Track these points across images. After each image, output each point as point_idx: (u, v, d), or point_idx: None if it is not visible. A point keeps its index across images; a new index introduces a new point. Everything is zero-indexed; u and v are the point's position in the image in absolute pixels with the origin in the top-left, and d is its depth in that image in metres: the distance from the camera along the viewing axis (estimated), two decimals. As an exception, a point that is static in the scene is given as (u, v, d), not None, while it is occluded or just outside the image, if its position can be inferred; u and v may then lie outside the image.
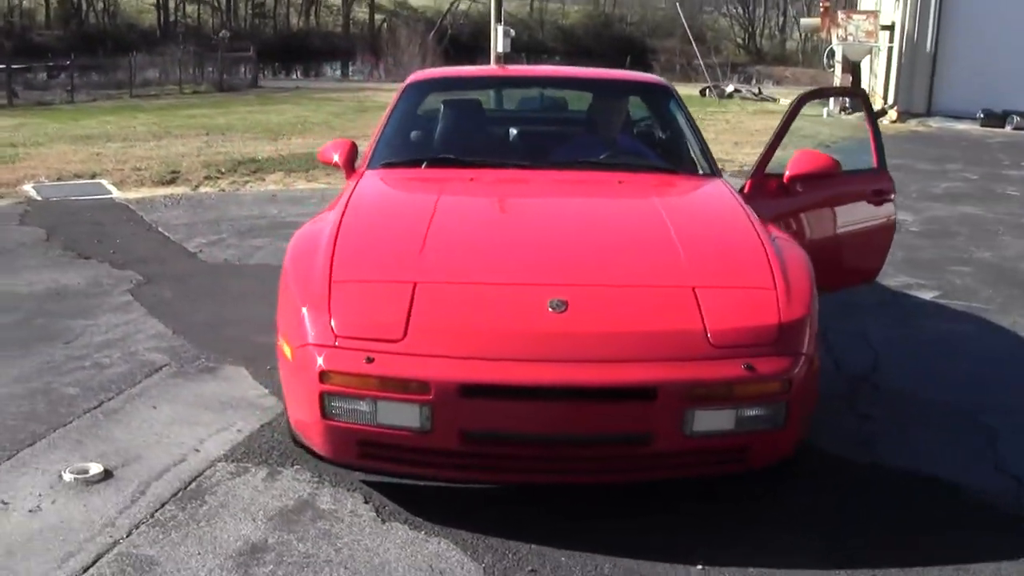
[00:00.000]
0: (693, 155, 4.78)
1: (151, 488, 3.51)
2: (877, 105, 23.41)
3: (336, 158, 4.84)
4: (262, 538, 3.18)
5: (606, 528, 3.29)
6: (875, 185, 5.10)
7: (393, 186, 4.47)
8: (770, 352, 3.17)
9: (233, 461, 3.74)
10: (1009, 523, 3.42)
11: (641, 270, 3.49)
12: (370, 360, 3.08)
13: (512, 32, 24.09)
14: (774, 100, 27.14)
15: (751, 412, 3.16)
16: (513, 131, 5.16)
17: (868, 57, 24.53)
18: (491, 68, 6.48)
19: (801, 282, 3.47)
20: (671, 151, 4.89)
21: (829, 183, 4.80)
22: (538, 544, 3.19)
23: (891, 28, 22.96)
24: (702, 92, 28.48)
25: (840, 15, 23.71)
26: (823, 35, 27.47)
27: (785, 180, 4.66)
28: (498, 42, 22.85)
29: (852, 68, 25.23)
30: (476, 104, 5.33)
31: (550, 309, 3.22)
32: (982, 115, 20.20)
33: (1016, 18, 20.83)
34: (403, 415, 3.10)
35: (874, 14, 23.45)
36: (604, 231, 3.91)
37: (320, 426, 3.20)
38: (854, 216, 5.00)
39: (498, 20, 23.16)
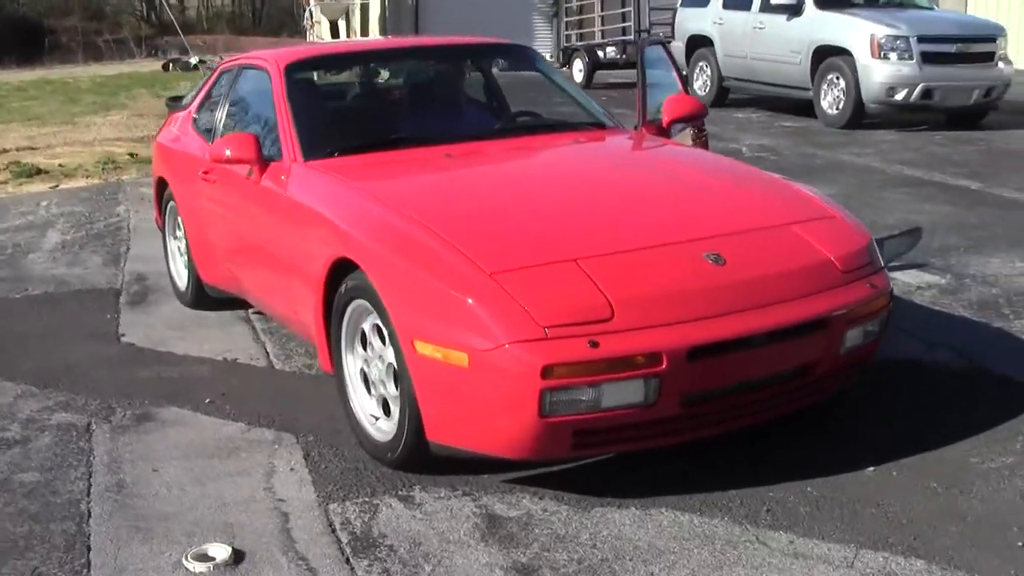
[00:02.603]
0: (599, 110, 4.92)
1: (304, 552, 2.99)
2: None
3: (229, 153, 4.24)
4: (512, 560, 2.89)
5: (772, 460, 3.45)
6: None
7: (383, 173, 4.04)
8: (871, 271, 3.54)
9: (343, 500, 3.27)
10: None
11: (739, 216, 3.61)
12: (594, 344, 2.94)
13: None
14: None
15: (871, 325, 3.51)
16: (431, 104, 4.86)
17: (346, 14, 25.45)
18: (364, 42, 5.94)
19: (839, 206, 3.87)
20: (585, 109, 4.95)
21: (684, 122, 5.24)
22: (736, 489, 3.26)
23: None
24: (165, 67, 27.21)
25: (312, -22, 24.35)
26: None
27: (665, 124, 5.00)
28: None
29: (331, 27, 26.00)
30: (364, 82, 4.98)
31: (711, 262, 3.28)
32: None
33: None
34: (629, 393, 3.00)
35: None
36: (665, 187, 3.96)
37: (535, 426, 2.97)
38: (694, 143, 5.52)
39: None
